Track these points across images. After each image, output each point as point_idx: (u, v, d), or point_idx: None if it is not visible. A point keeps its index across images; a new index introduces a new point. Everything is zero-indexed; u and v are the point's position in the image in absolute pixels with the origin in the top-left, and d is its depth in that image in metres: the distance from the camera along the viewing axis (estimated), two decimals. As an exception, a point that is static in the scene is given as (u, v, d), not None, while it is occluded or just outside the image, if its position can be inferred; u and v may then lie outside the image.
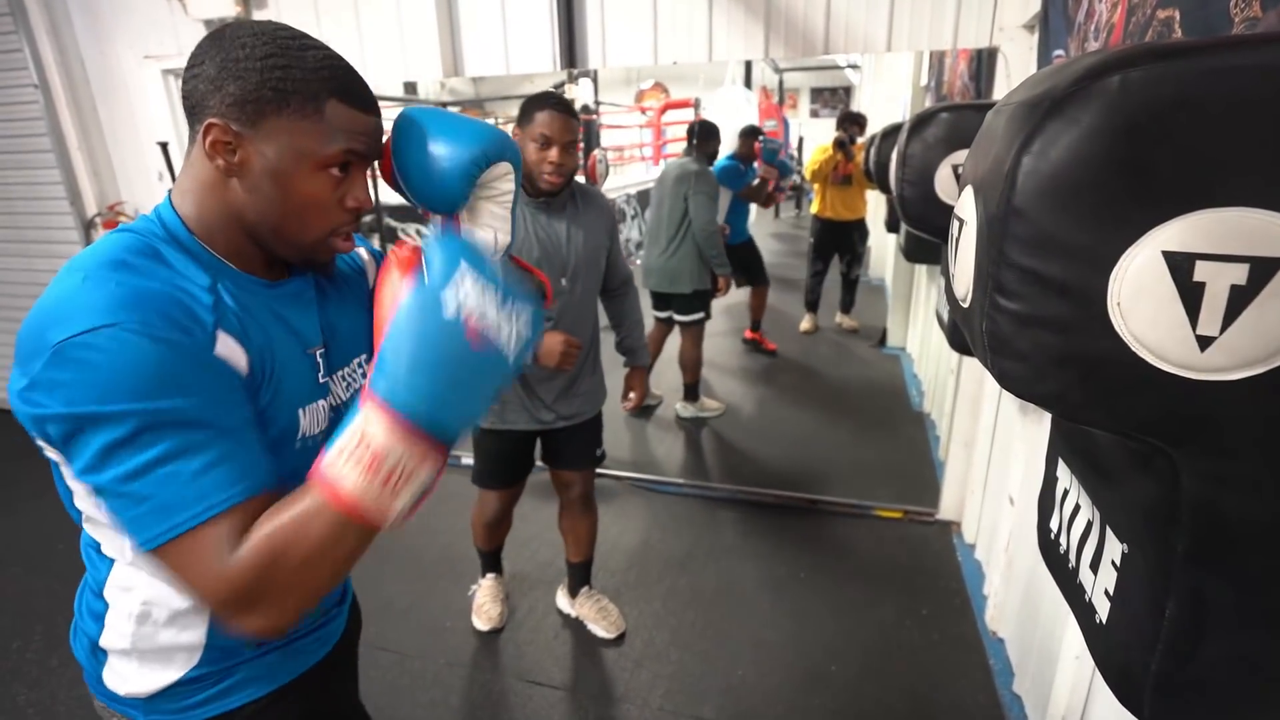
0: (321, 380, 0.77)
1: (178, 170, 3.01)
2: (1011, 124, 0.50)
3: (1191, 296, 0.42)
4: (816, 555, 2.39)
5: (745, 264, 4.01)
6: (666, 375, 3.52)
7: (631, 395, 1.99)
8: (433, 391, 0.57)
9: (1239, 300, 0.41)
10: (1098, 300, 0.45)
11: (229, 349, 0.64)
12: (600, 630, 2.02)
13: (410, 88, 6.78)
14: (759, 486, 2.79)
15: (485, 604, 2.06)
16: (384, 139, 0.73)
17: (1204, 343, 0.43)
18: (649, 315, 3.40)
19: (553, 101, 1.57)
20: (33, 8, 2.97)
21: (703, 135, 3.23)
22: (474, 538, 2.05)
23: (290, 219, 0.67)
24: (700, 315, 3.30)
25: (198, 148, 0.66)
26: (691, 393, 3.45)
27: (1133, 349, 0.45)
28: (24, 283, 3.54)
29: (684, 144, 3.47)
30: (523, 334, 0.61)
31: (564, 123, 1.56)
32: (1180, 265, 0.42)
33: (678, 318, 3.33)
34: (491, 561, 2.10)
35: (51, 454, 0.64)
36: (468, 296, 0.58)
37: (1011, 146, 0.49)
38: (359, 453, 0.56)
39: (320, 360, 0.77)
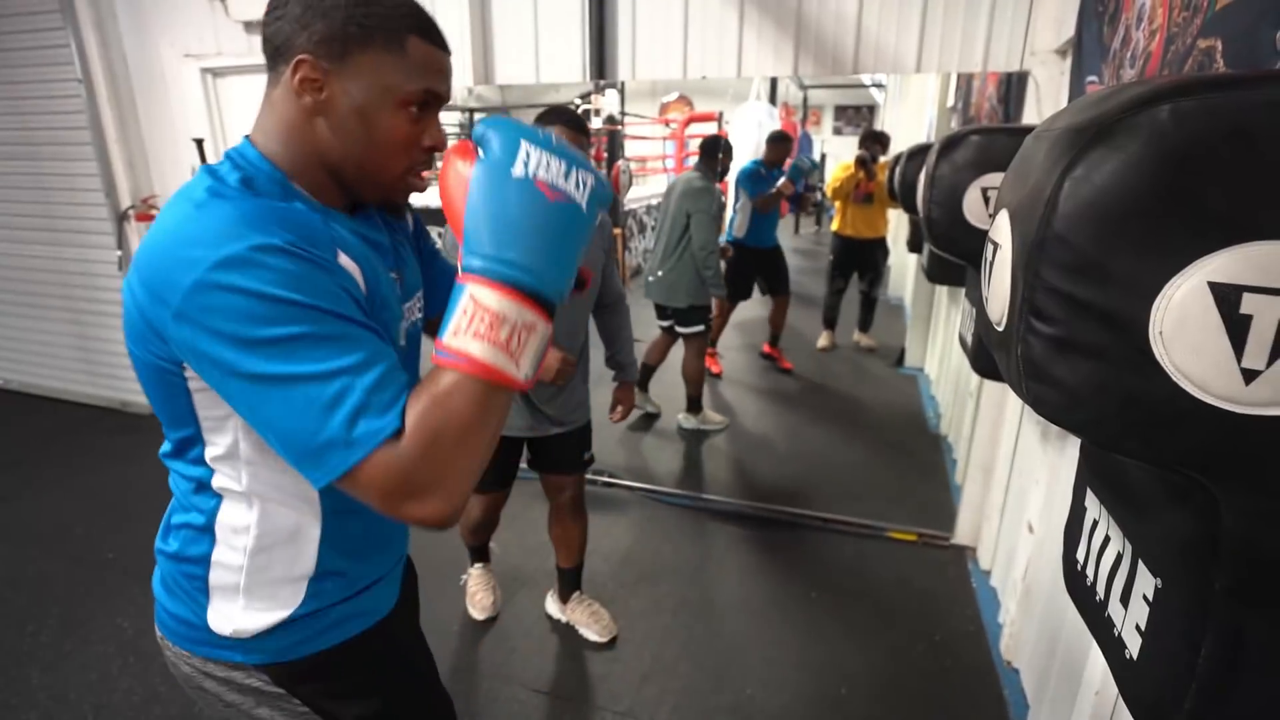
0: (404, 305, 0.80)
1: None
2: (1054, 149, 0.50)
3: (1238, 329, 0.42)
4: (828, 574, 2.36)
5: (767, 271, 3.99)
6: (674, 385, 3.51)
7: (619, 408, 2.00)
8: (523, 247, 0.58)
9: (1288, 335, 0.41)
10: (1139, 328, 0.45)
11: (349, 266, 0.66)
12: (592, 634, 2.01)
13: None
14: (772, 503, 2.77)
15: (477, 593, 2.11)
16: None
17: (1249, 376, 0.42)
18: (653, 325, 3.41)
19: (565, 117, 1.59)
20: (80, 4, 3.05)
21: (713, 151, 3.22)
22: (461, 536, 2.11)
23: (373, 156, 0.69)
24: (700, 328, 3.30)
25: (282, 89, 0.67)
26: (694, 404, 3.44)
27: (1174, 379, 0.44)
28: (54, 270, 3.62)
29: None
30: (590, 183, 0.61)
31: (573, 139, 1.58)
32: (1227, 296, 0.42)
33: (679, 329, 3.34)
34: (479, 552, 2.15)
35: (193, 382, 0.65)
36: (530, 157, 0.59)
37: (1054, 171, 0.48)
38: (475, 323, 0.57)
39: (399, 286, 0.79)
